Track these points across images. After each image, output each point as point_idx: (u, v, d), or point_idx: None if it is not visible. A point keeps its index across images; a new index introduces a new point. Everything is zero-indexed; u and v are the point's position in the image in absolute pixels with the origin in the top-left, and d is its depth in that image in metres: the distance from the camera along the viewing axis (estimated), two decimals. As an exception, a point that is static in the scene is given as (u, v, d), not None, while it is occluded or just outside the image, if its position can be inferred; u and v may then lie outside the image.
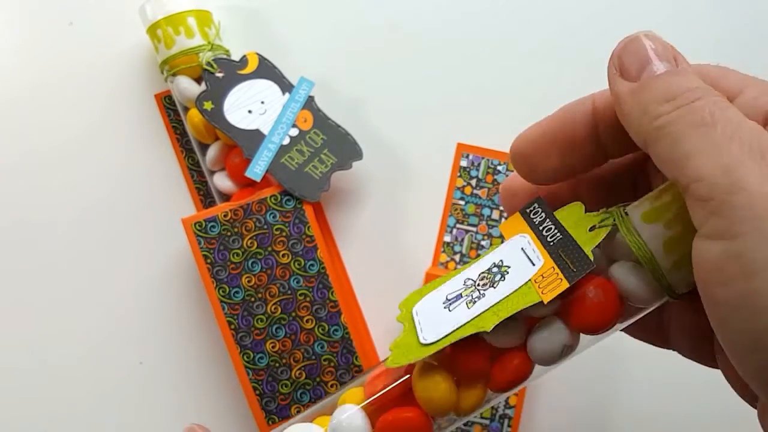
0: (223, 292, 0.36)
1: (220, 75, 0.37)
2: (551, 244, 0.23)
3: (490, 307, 0.22)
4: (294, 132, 0.37)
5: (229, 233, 0.36)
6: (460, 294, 0.23)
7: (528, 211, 0.24)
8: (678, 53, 0.20)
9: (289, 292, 0.36)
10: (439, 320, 0.23)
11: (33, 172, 0.40)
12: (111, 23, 0.41)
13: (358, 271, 0.40)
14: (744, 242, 0.16)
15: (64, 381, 0.40)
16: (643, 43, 0.20)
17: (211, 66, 0.37)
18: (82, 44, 0.41)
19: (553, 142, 0.22)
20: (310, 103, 0.38)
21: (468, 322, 0.22)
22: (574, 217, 0.23)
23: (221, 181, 0.38)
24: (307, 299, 0.36)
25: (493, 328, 0.21)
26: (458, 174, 0.39)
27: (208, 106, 0.36)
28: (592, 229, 0.22)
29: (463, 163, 0.40)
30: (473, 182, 0.39)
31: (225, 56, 0.37)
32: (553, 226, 0.23)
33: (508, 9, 0.41)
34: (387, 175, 0.41)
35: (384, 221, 0.40)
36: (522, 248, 0.23)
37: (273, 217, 0.36)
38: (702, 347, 0.23)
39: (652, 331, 0.25)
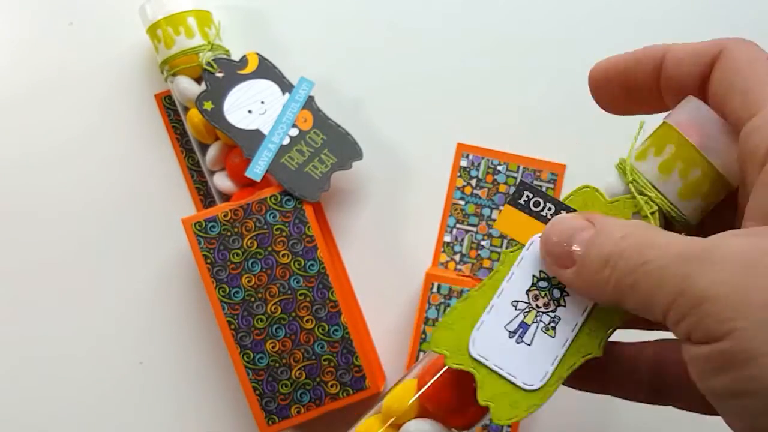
0: (223, 292, 0.36)
1: (220, 75, 0.37)
2: None
3: (582, 328, 0.22)
4: (294, 132, 0.37)
5: (229, 233, 0.36)
6: (524, 322, 0.22)
7: (523, 202, 0.23)
8: (592, 215, 0.21)
9: (289, 292, 0.36)
10: (527, 358, 0.22)
11: (33, 172, 0.40)
12: (111, 23, 0.41)
13: (358, 271, 0.40)
14: (727, 342, 0.17)
15: (64, 380, 0.40)
16: (554, 229, 0.21)
17: (211, 66, 0.37)
18: (82, 44, 0.41)
19: (618, 78, 0.23)
20: (310, 103, 0.38)
21: (567, 351, 0.22)
22: (598, 204, 0.22)
23: (221, 181, 0.38)
24: (307, 299, 0.36)
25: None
26: (458, 174, 0.39)
27: (208, 106, 0.36)
28: (635, 217, 0.22)
29: (463, 163, 0.39)
30: (473, 182, 0.39)
31: (225, 56, 0.37)
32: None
33: (508, 9, 0.41)
34: (387, 175, 0.41)
35: (384, 221, 0.40)
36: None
37: (273, 217, 0.36)
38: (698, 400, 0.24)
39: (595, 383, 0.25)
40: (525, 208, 0.23)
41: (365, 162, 0.38)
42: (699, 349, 0.17)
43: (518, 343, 0.22)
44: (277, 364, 0.36)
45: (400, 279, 0.40)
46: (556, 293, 0.22)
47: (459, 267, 0.39)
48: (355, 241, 0.41)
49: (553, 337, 0.22)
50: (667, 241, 0.18)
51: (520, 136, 0.40)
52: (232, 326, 0.36)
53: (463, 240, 0.39)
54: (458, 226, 0.39)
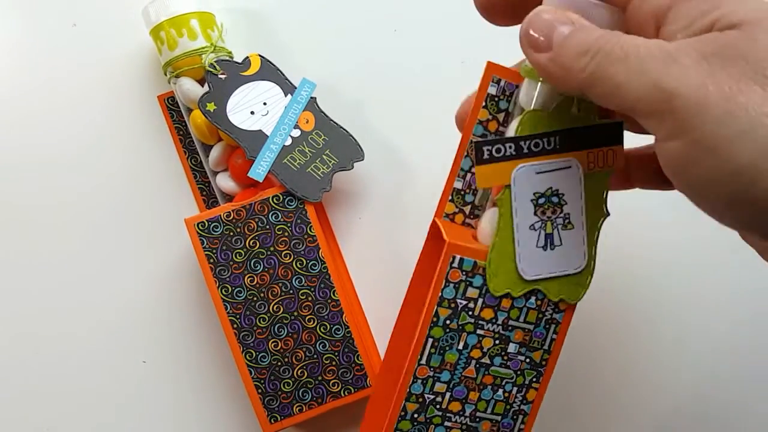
0: (225, 291, 0.36)
1: (222, 76, 0.37)
2: (559, 147, 0.26)
3: (586, 208, 0.27)
4: (296, 133, 0.37)
5: (231, 233, 0.36)
6: (547, 234, 0.27)
7: (487, 156, 0.26)
8: (572, 14, 0.23)
9: (291, 291, 0.37)
10: (565, 253, 0.27)
11: (36, 173, 0.41)
12: (114, 25, 0.41)
13: (360, 270, 0.41)
14: (697, 132, 0.20)
15: (67, 379, 0.40)
16: (543, 16, 0.23)
17: (214, 67, 0.37)
18: (86, 46, 0.41)
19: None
20: (312, 104, 0.38)
21: (587, 229, 0.27)
22: (545, 120, 0.26)
23: (224, 182, 0.38)
24: (309, 299, 0.37)
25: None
26: (483, 104, 0.29)
27: (210, 107, 0.37)
28: (563, 106, 0.26)
29: (492, 90, 0.29)
30: (501, 117, 0.29)
31: (228, 58, 0.38)
32: (538, 140, 0.26)
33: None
34: (388, 175, 0.41)
35: (385, 221, 0.41)
36: (536, 172, 0.26)
37: (275, 217, 0.37)
38: (657, 179, 0.29)
39: (619, 181, 0.30)
40: (491, 160, 0.26)
41: (367, 162, 0.39)
42: (670, 145, 0.20)
43: (552, 249, 0.27)
44: (280, 363, 0.36)
45: (401, 279, 0.41)
46: (555, 199, 0.27)
47: (468, 221, 0.31)
48: (357, 241, 0.41)
49: (573, 228, 0.27)
50: (644, 42, 0.21)
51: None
52: (235, 325, 0.36)
53: (477, 189, 0.31)
54: (474, 170, 0.30)
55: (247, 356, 0.36)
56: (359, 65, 0.41)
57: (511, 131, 0.27)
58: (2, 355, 0.40)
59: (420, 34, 0.41)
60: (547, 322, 0.29)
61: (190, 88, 0.37)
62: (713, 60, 0.20)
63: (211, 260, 0.36)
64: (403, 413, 0.29)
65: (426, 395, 0.29)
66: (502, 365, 0.29)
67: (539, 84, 0.26)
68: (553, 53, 0.23)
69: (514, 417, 0.30)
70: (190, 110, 0.38)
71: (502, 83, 0.29)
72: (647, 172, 0.30)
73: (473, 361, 0.29)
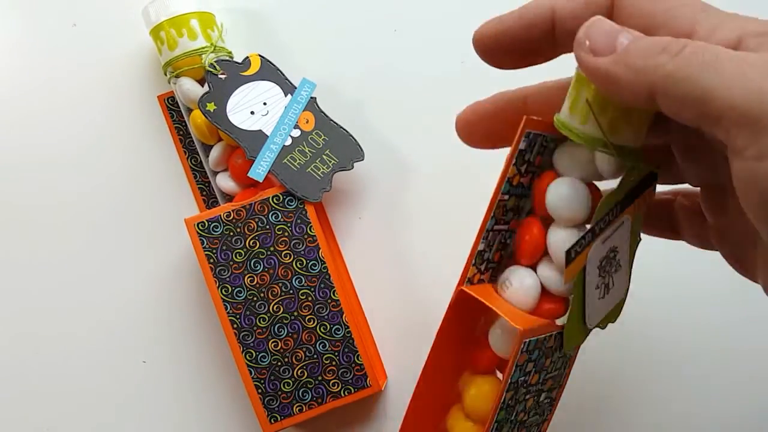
0: (225, 291, 0.36)
1: (222, 76, 0.37)
2: (619, 211, 0.26)
3: (630, 243, 0.27)
4: (296, 133, 0.37)
5: (231, 233, 0.36)
6: (605, 285, 0.27)
7: (573, 255, 0.25)
8: (628, 29, 0.21)
9: (291, 291, 0.37)
10: (615, 291, 0.28)
11: (36, 173, 0.41)
12: (114, 25, 0.41)
13: (359, 270, 0.41)
14: None
15: (67, 379, 0.40)
16: (602, 23, 0.21)
17: (214, 67, 0.37)
18: (86, 45, 0.41)
19: (510, 42, 0.25)
20: (312, 104, 0.38)
21: (629, 261, 0.28)
22: (610, 200, 0.25)
23: (224, 182, 0.38)
24: (309, 298, 0.37)
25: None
26: (514, 161, 0.27)
27: (210, 107, 0.37)
28: (625, 180, 0.25)
29: (523, 145, 0.27)
30: (523, 168, 0.27)
31: (228, 58, 0.38)
32: (606, 217, 0.25)
33: (508, 8, 0.41)
34: (388, 175, 0.41)
35: (385, 221, 0.41)
36: (602, 242, 0.26)
37: (275, 217, 0.37)
38: (704, 235, 0.27)
39: (662, 228, 0.29)
40: (578, 255, 0.26)
41: (367, 162, 0.39)
42: (763, 164, 0.17)
43: (608, 293, 0.27)
44: (280, 363, 0.36)
45: (400, 279, 0.41)
46: (612, 255, 0.27)
47: (482, 278, 0.29)
48: (357, 241, 0.41)
49: (621, 266, 0.27)
50: (735, 51, 0.19)
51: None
52: (235, 325, 0.36)
53: (493, 244, 0.29)
54: (495, 227, 0.28)
55: (247, 356, 0.36)
56: (359, 65, 0.41)
57: (561, 193, 0.26)
58: (2, 355, 0.40)
59: (420, 34, 0.41)
60: (566, 362, 0.30)
61: (190, 88, 0.37)
62: None
63: (211, 260, 0.36)
64: None
65: None
66: (534, 415, 0.30)
67: (572, 145, 0.25)
68: (617, 55, 0.20)
69: None
70: (190, 110, 0.38)
71: (531, 135, 0.27)
72: (654, 220, 0.29)
73: (518, 424, 0.29)
